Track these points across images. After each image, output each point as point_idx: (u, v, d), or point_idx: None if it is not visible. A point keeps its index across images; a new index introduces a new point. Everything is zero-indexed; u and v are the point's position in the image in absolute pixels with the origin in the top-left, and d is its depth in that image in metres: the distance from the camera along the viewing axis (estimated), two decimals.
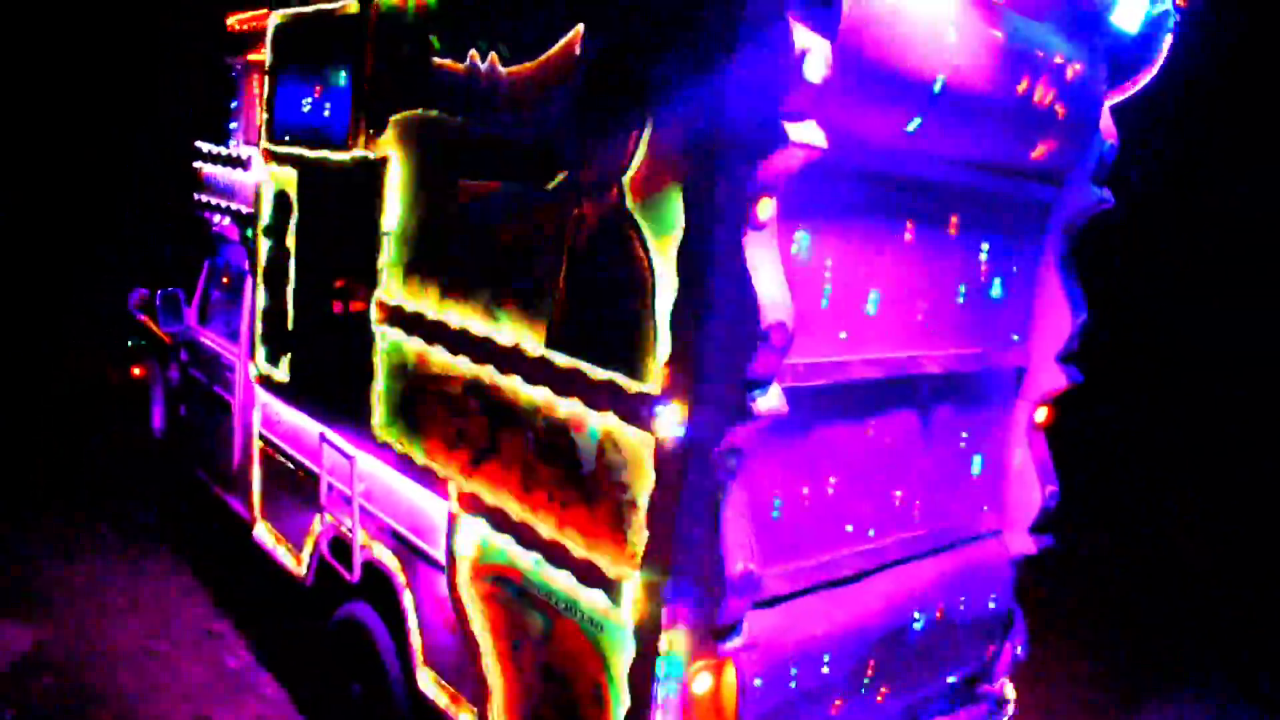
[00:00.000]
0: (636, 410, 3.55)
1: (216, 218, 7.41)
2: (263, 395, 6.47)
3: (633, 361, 3.57)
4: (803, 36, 3.06)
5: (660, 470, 3.49)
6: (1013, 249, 4.77)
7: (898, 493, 4.53)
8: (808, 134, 3.13)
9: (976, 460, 4.97)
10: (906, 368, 4.27)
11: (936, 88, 3.65)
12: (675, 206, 3.38)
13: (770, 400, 3.30)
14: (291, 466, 6.16)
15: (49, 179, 18.03)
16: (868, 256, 4.00)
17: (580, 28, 3.76)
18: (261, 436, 6.55)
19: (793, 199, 3.40)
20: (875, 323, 4.10)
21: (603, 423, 3.72)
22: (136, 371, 9.82)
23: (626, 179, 3.56)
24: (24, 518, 8.53)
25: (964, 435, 4.85)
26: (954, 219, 4.39)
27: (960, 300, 4.54)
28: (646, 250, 3.50)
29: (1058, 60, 4.20)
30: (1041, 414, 5.07)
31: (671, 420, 3.41)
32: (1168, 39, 4.54)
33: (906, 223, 4.15)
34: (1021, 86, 4.07)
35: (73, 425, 11.02)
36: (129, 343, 9.82)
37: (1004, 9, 3.85)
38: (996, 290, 4.75)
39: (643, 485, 3.56)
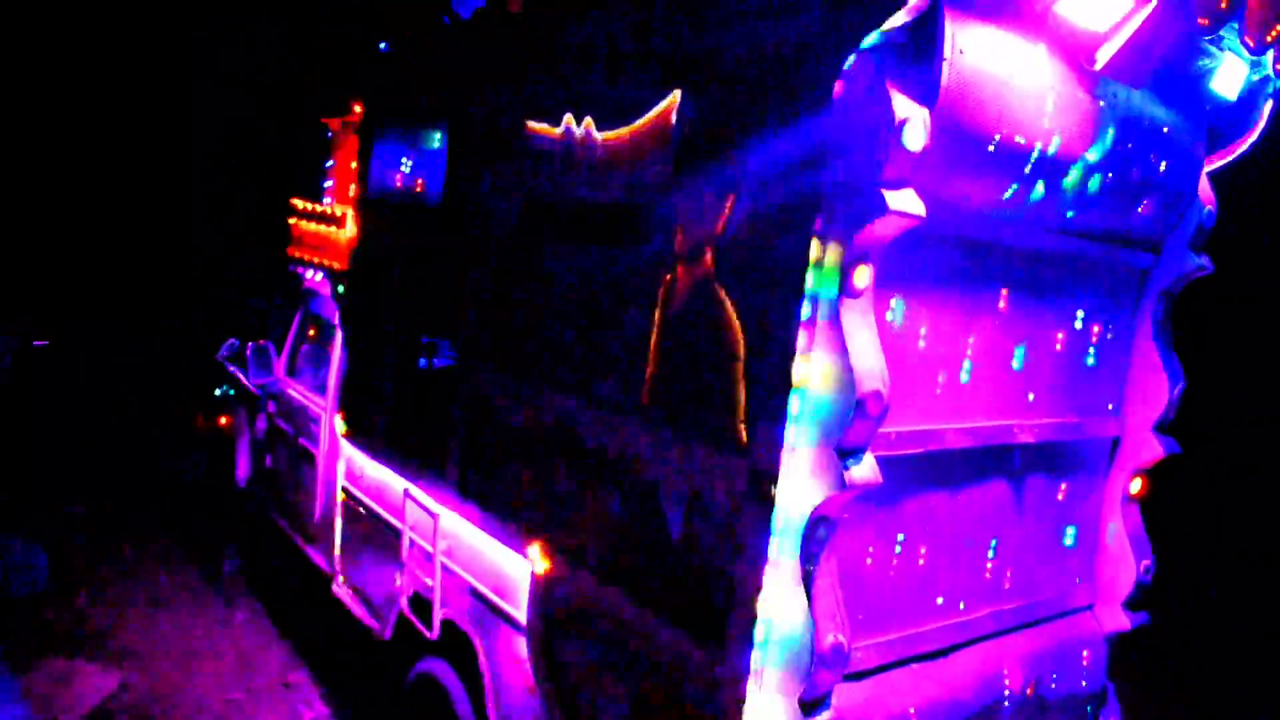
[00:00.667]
0: (730, 476, 3.52)
1: (309, 273, 7.60)
2: (347, 449, 6.56)
3: (727, 427, 3.55)
4: (902, 105, 3.06)
5: (748, 538, 3.45)
6: (1109, 316, 4.68)
7: (989, 564, 4.42)
8: (906, 202, 3.12)
9: (1070, 532, 4.83)
10: (1000, 436, 4.19)
11: (1034, 155, 3.61)
12: (771, 273, 3.38)
13: (864, 470, 3.25)
14: (374, 521, 6.22)
15: (150, 228, 18.74)
16: (962, 323, 3.95)
17: (676, 94, 3.81)
18: (345, 490, 6.64)
19: (888, 265, 3.38)
20: (969, 390, 4.03)
21: (694, 487, 3.70)
22: (223, 421, 10.05)
23: (721, 245, 3.57)
24: (118, 563, 8.75)
25: (1057, 506, 4.72)
26: (1049, 286, 4.32)
27: (1055, 368, 4.46)
28: (740, 315, 3.49)
29: (1156, 127, 4.13)
30: (1136, 485, 4.93)
31: (760, 488, 3.38)
32: (1268, 105, 4.45)
33: (1001, 290, 4.10)
34: (1120, 154, 4.01)
35: (164, 472, 11.30)
36: (217, 392, 10.06)
37: (1102, 76, 3.81)
38: (1092, 358, 4.64)
39: (734, 553, 3.52)
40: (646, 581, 3.92)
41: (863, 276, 3.22)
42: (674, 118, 3.82)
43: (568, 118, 4.39)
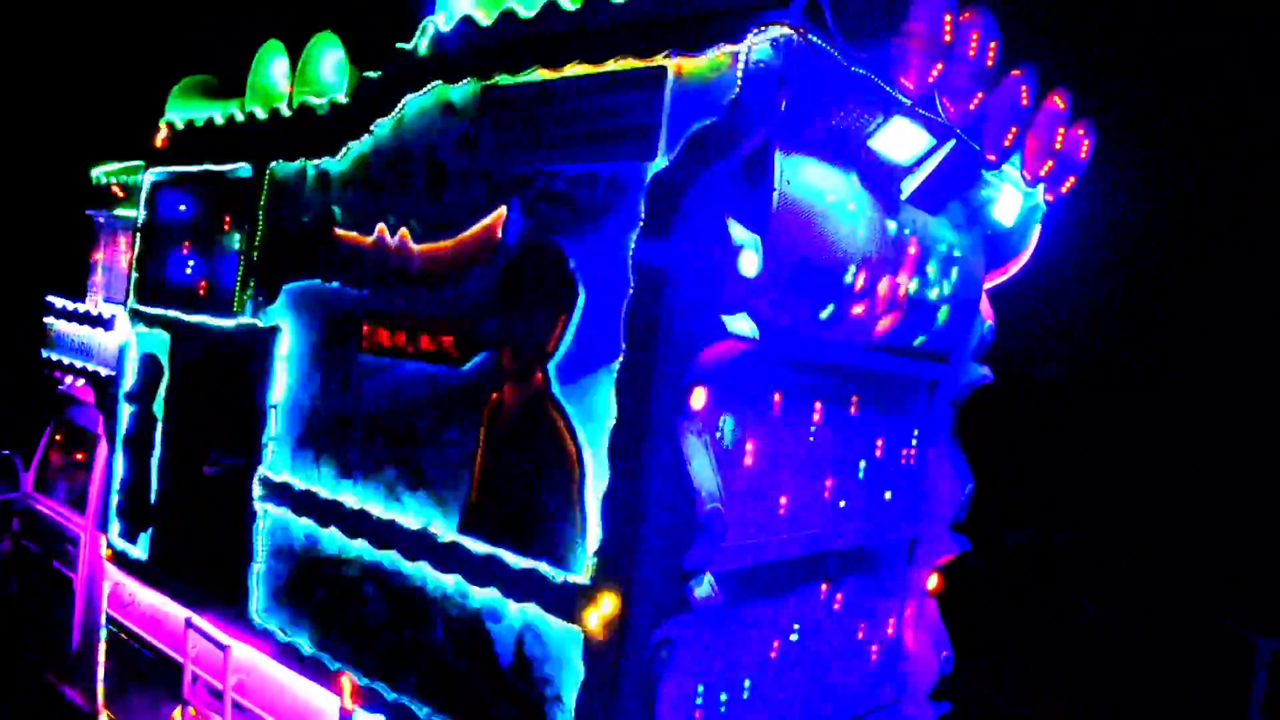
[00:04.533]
0: (563, 601, 3.42)
1: (68, 378, 6.94)
2: (115, 573, 5.96)
3: (558, 550, 3.46)
4: (737, 232, 3.14)
5: (590, 664, 3.35)
6: (906, 425, 4.93)
7: (809, 667, 4.49)
8: (742, 326, 3.18)
9: (875, 630, 4.99)
10: (816, 545, 4.29)
11: (849, 276, 3.79)
12: (605, 393, 3.35)
13: (705, 589, 3.24)
14: (147, 654, 5.65)
15: None
16: (782, 438, 4.05)
17: (503, 210, 3.76)
18: (110, 619, 6.01)
19: (719, 386, 3.43)
20: (790, 503, 4.12)
21: (524, 613, 3.56)
22: None
23: (552, 364, 3.52)
24: None
25: (863, 606, 4.87)
26: (855, 399, 4.51)
27: (860, 476, 4.63)
28: (574, 436, 3.44)
29: (948, 250, 4.44)
30: (933, 581, 5.17)
31: (603, 612, 3.30)
32: (1038, 229, 4.88)
33: (815, 404, 4.24)
34: (918, 274, 4.28)
35: None
36: None
37: (905, 204, 4.06)
38: (893, 464, 4.86)
39: (570, 679, 3.41)
40: (475, 714, 3.72)
41: (699, 398, 3.26)
42: (499, 234, 3.76)
43: (381, 227, 4.25)
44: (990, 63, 3.87)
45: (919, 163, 3.91)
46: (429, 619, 3.92)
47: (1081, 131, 4.55)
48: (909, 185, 3.97)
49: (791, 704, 4.38)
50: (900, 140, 3.76)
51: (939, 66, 3.62)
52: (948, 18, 3.59)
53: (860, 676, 4.91)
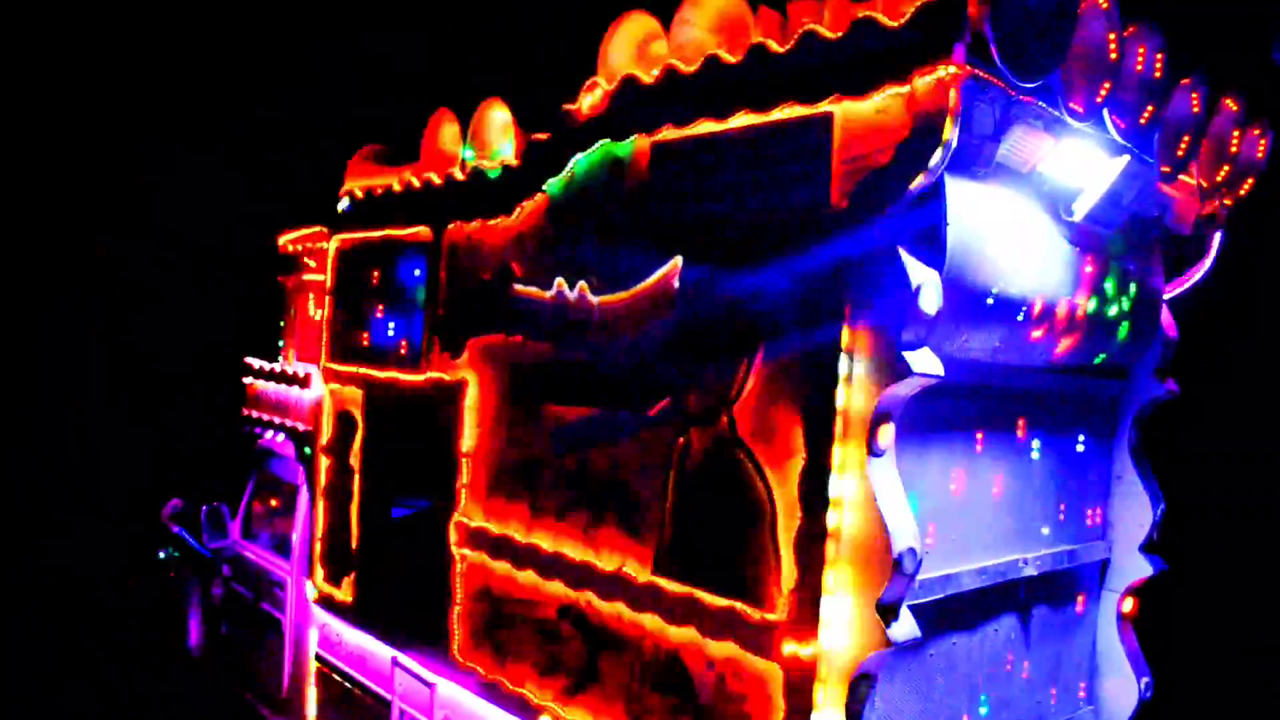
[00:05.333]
0: (761, 638, 3.50)
1: (269, 433, 7.44)
2: (321, 615, 6.36)
3: (754, 589, 3.55)
4: (916, 271, 3.18)
5: (790, 701, 3.42)
6: (1089, 445, 4.83)
7: (1005, 696, 4.43)
8: (926, 363, 3.22)
9: (1070, 656, 4.89)
10: (1007, 573, 4.25)
11: (1025, 302, 3.77)
12: (792, 434, 3.43)
13: (904, 626, 3.27)
14: (355, 690, 6.00)
15: (90, 384, 18.13)
16: (965, 466, 4.04)
17: (677, 260, 3.89)
18: (319, 658, 6.40)
19: (905, 421, 3.46)
20: (976, 532, 4.10)
21: (722, 651, 3.67)
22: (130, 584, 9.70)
23: (736, 407, 3.62)
24: None
25: (1058, 631, 4.78)
26: (1036, 422, 4.46)
27: (1048, 499, 4.57)
28: (763, 477, 3.53)
29: (1124, 266, 4.36)
30: (1128, 605, 5.03)
31: (802, 649, 3.37)
32: (1218, 236, 4.73)
33: (995, 430, 4.21)
34: (1092, 301, 4.21)
35: (101, 640, 10.72)
36: (161, 555, 9.67)
37: (1079, 225, 4.01)
38: (1077, 487, 4.77)
39: (771, 717, 3.49)
40: None
41: (886, 435, 3.29)
42: (676, 283, 3.90)
43: (559, 281, 4.45)
44: (1158, 74, 3.81)
45: (1091, 182, 3.86)
46: (626, 656, 4.06)
47: (1258, 131, 4.41)
48: (1082, 205, 3.92)
49: None
50: (1071, 162, 3.73)
51: (1107, 85, 3.59)
52: (1112, 36, 3.56)
53: (1058, 705, 4.82)
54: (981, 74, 3.15)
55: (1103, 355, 4.51)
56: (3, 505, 14.87)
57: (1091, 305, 4.20)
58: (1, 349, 17.53)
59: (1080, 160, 3.75)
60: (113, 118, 16.82)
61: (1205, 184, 4.25)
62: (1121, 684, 5.01)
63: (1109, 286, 4.26)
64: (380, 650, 5.66)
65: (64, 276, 18.20)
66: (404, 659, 5.41)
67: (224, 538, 8.09)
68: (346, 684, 6.08)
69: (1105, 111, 3.69)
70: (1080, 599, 4.92)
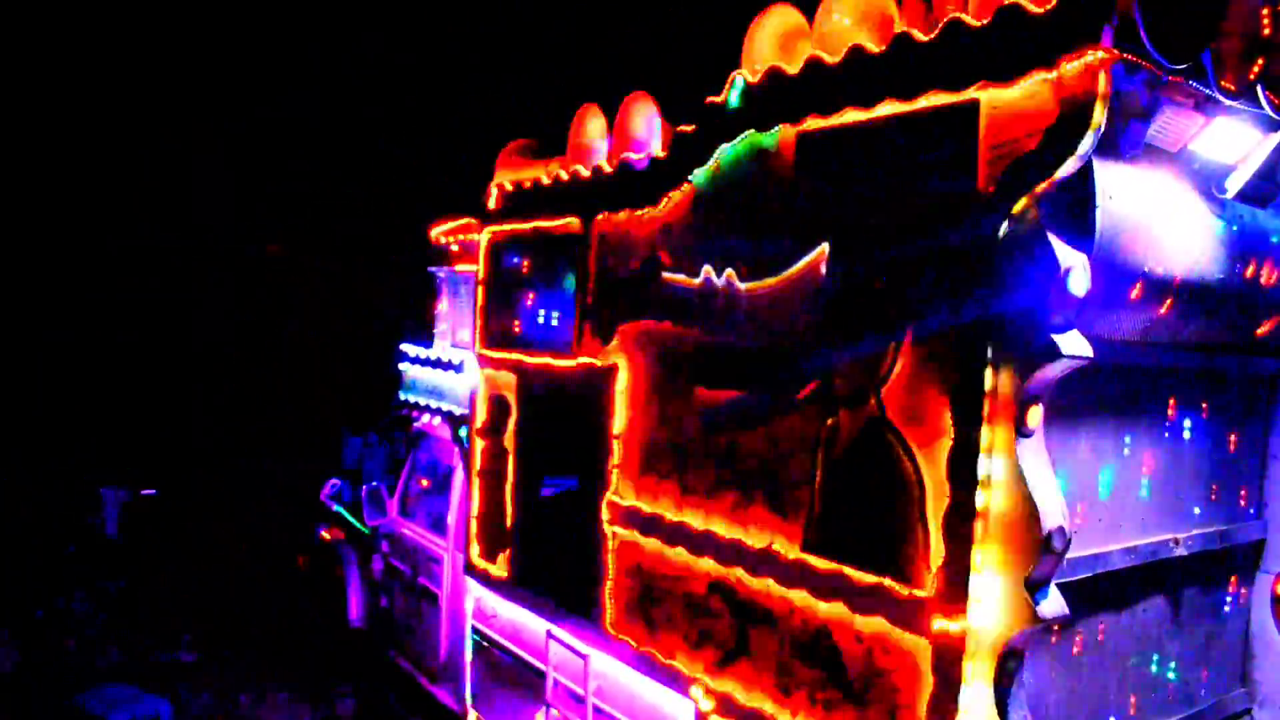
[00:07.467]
0: (910, 614, 3.62)
1: (425, 417, 7.85)
2: (476, 589, 6.70)
3: (903, 566, 3.66)
4: (1064, 253, 3.23)
5: (939, 675, 3.53)
6: (1243, 424, 4.75)
7: (1154, 676, 4.43)
8: (1075, 345, 3.27)
9: (1223, 638, 4.83)
10: (1157, 552, 4.25)
11: (1174, 282, 3.76)
12: (941, 416, 3.53)
13: (1053, 603, 3.34)
14: (510, 660, 6.31)
15: (248, 373, 19.31)
16: (1113, 446, 4.06)
17: (824, 247, 4.01)
18: (475, 629, 6.75)
19: (1056, 401, 3.52)
20: (1127, 511, 4.12)
21: (870, 626, 3.79)
22: (300, 561, 10.33)
23: (885, 389, 3.73)
24: (235, 711, 8.85)
25: (1212, 616, 4.74)
26: (1185, 401, 4.43)
27: (1199, 479, 4.53)
28: (911, 457, 3.63)
29: (1276, 241, 4.28)
30: None
31: (951, 625, 3.47)
32: None
33: (1144, 409, 4.21)
34: (1249, 271, 4.15)
35: (273, 615, 11.43)
36: (324, 533, 10.25)
37: (1230, 201, 3.97)
38: (1230, 466, 4.71)
39: (919, 690, 3.60)
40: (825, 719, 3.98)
41: (1035, 416, 3.36)
42: (823, 269, 4.02)
43: (707, 269, 4.61)
44: None
45: (1244, 159, 3.82)
46: (775, 631, 4.22)
47: None
48: (1234, 182, 3.88)
49: (1136, 713, 4.34)
50: (1223, 140, 3.70)
51: (1260, 62, 3.56)
52: (1265, 11, 3.52)
53: (1208, 687, 4.77)
54: (1130, 57, 3.17)
55: (1256, 331, 4.45)
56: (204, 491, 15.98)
57: (1244, 284, 4.15)
58: (199, 356, 18.83)
59: (1232, 138, 3.71)
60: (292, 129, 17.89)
61: None
62: (1276, 666, 4.92)
63: (1260, 264, 4.19)
64: (534, 623, 5.95)
65: (235, 276, 19.38)
66: (559, 631, 5.68)
67: (383, 516, 8.56)
68: (501, 654, 6.40)
69: (1259, 88, 3.64)
70: (1233, 580, 4.86)
